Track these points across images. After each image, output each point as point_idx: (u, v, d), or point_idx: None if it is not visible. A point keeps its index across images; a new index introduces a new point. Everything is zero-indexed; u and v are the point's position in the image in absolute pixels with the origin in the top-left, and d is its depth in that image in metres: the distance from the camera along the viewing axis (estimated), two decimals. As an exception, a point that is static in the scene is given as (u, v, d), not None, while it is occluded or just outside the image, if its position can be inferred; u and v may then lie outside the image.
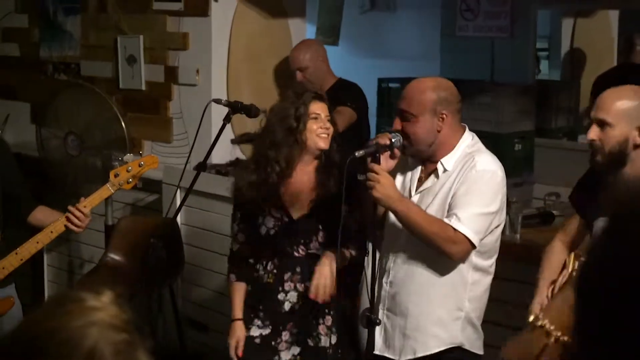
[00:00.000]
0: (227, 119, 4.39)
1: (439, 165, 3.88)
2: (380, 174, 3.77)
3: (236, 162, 5.70)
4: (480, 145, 3.96)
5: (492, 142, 6.11)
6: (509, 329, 4.70)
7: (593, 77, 7.88)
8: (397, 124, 3.89)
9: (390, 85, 7.94)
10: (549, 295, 3.76)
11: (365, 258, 4.09)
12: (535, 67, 7.83)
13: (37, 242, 4.51)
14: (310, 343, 4.22)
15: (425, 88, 3.89)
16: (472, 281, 3.93)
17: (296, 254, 4.19)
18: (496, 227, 3.91)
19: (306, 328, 4.22)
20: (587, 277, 1.34)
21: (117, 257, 5.74)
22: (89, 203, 4.48)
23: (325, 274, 4.05)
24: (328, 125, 4.15)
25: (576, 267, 3.70)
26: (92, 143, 6.50)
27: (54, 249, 6.92)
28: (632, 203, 1.31)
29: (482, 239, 3.82)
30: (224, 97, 5.10)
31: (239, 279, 4.29)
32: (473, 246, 3.79)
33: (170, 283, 5.60)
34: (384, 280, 4.03)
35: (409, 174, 4.02)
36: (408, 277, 3.95)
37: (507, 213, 4.73)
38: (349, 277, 4.24)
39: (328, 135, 4.15)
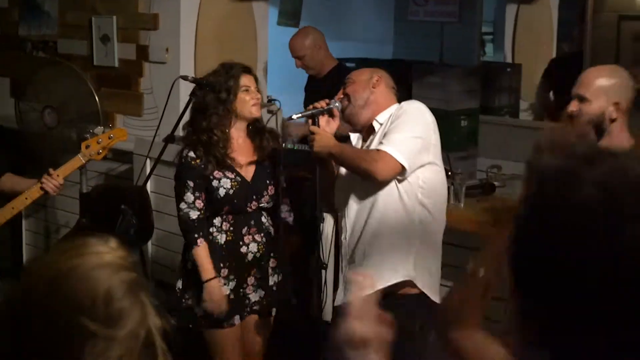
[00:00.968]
0: (193, 95, 4.40)
1: (374, 123, 4.02)
2: (316, 131, 3.97)
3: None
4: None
5: (440, 118, 6.13)
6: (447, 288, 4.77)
7: (534, 59, 7.93)
8: (340, 93, 4.10)
9: (348, 65, 7.97)
10: None
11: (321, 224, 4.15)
12: (481, 50, 7.87)
13: (13, 208, 4.50)
14: (265, 284, 4.33)
15: (364, 70, 4.20)
16: (419, 220, 3.97)
17: (249, 209, 4.28)
18: (430, 163, 3.96)
19: (264, 271, 4.32)
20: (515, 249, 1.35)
21: (90, 223, 5.73)
22: (61, 172, 4.49)
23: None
24: (258, 95, 4.31)
25: None
26: (68, 116, 6.47)
27: (31, 214, 6.90)
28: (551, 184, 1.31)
29: (410, 161, 3.85)
30: (191, 75, 5.09)
31: (205, 240, 4.28)
32: (401, 166, 3.83)
33: (140, 246, 5.60)
34: (342, 237, 4.13)
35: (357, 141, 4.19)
36: (361, 223, 4.02)
37: (452, 183, 4.78)
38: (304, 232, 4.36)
39: (259, 105, 4.32)
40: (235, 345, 4.36)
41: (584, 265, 1.23)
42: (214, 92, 4.22)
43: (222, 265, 4.25)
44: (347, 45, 8.55)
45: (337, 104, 4.07)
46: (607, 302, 1.23)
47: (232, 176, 4.25)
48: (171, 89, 4.61)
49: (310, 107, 4.12)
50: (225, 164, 4.24)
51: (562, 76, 7.25)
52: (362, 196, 4.02)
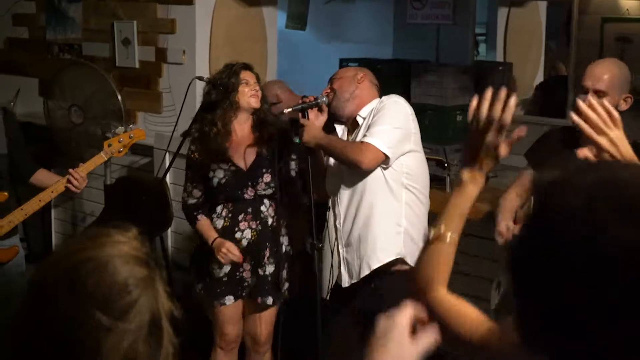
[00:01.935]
0: (206, 94, 4.41)
1: (358, 118, 4.09)
2: (305, 124, 4.04)
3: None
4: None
5: (437, 113, 6.21)
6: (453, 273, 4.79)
7: (524, 58, 7.95)
8: (327, 88, 4.18)
9: (350, 64, 7.98)
10: (509, 228, 3.87)
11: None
12: (475, 50, 7.86)
13: (40, 200, 4.53)
14: (260, 272, 4.31)
15: (350, 68, 4.35)
16: (406, 201, 4.04)
17: (246, 196, 4.28)
18: (411, 150, 4.03)
19: (258, 259, 4.31)
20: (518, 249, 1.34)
21: (114, 212, 5.76)
22: (85, 168, 4.52)
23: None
24: (257, 88, 4.33)
25: None
26: (92, 114, 6.48)
27: (60, 204, 6.92)
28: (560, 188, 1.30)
29: (393, 150, 3.93)
30: (206, 75, 5.11)
31: (205, 216, 4.35)
32: (384, 155, 3.91)
33: (160, 234, 5.62)
34: (337, 223, 4.17)
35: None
36: (353, 211, 4.08)
37: (447, 174, 4.81)
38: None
39: (258, 96, 4.31)
40: (232, 322, 4.40)
41: (574, 271, 1.21)
42: (219, 87, 4.27)
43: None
44: (350, 46, 8.57)
45: (324, 99, 4.14)
46: (593, 301, 1.21)
47: (227, 167, 4.28)
48: (188, 88, 4.63)
49: (300, 101, 4.18)
50: (222, 156, 4.27)
51: (549, 99, 7.28)
52: (352, 185, 4.08)
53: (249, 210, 4.29)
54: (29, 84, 7.19)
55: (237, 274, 4.30)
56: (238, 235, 4.28)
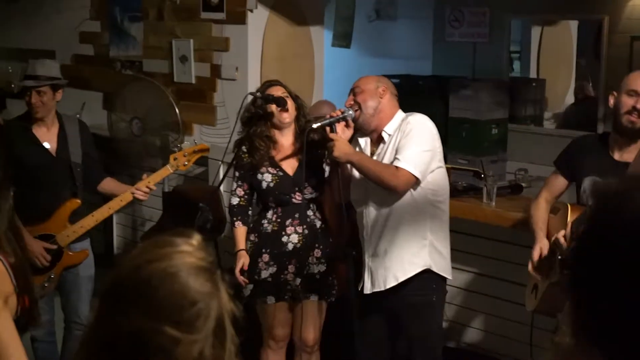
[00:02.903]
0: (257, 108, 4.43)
1: (383, 134, 4.03)
2: (335, 138, 3.95)
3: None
4: (411, 113, 4.10)
5: (473, 126, 6.16)
6: (482, 276, 4.76)
7: (556, 74, 7.88)
8: (350, 99, 4.10)
9: (392, 80, 7.94)
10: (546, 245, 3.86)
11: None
12: (509, 67, 7.82)
13: (109, 208, 4.59)
14: (305, 272, 4.32)
15: (369, 79, 4.15)
16: (431, 215, 4.02)
17: (294, 200, 4.28)
18: (438, 167, 4.01)
19: (303, 261, 4.30)
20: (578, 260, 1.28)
21: (171, 217, 5.79)
22: (152, 179, 4.58)
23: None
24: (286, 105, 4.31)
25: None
26: (152, 125, 6.54)
27: (121, 210, 6.94)
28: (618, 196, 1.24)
29: (423, 173, 3.91)
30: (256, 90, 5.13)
31: (243, 224, 4.37)
32: (416, 179, 3.89)
33: (214, 238, 5.64)
34: (364, 233, 4.14)
35: (364, 148, 4.15)
36: (380, 224, 4.05)
37: (484, 185, 4.78)
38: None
39: (288, 110, 4.30)
40: (279, 323, 4.39)
41: (631, 279, 1.16)
42: (256, 106, 4.30)
43: (264, 251, 4.30)
44: (391, 62, 8.56)
45: (350, 112, 4.07)
46: None
47: (275, 171, 4.29)
48: (242, 103, 4.63)
49: (327, 115, 4.11)
50: (270, 162, 4.29)
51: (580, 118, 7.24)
52: (379, 200, 4.05)
53: (297, 215, 4.29)
54: (93, 97, 7.25)
55: (282, 276, 4.30)
56: (284, 239, 4.29)
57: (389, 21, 9.14)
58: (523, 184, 5.22)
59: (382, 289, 4.05)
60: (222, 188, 5.29)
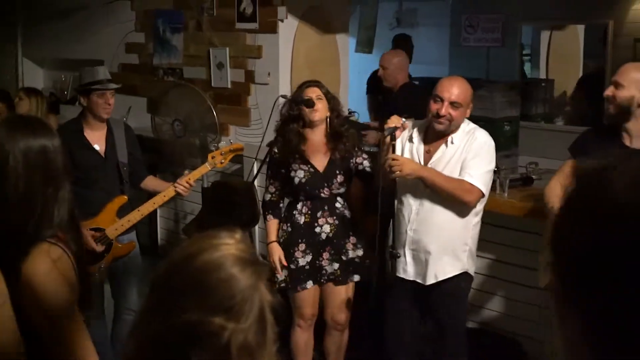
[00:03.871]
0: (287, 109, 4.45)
1: (449, 138, 3.93)
2: (398, 158, 3.86)
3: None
4: (473, 124, 4.02)
5: (488, 124, 6.11)
6: (497, 261, 4.76)
7: (564, 75, 7.83)
8: (444, 111, 3.87)
9: (413, 82, 7.94)
10: None
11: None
12: (521, 68, 7.79)
13: (154, 203, 4.63)
14: (344, 258, 4.32)
15: (467, 93, 3.95)
16: (474, 223, 4.00)
17: (323, 195, 4.29)
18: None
19: (338, 248, 4.31)
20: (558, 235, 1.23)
21: (210, 211, 5.81)
22: (192, 176, 4.61)
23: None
24: (319, 104, 4.28)
25: None
26: (192, 127, 6.57)
27: (164, 204, 6.98)
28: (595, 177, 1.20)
29: (488, 190, 3.93)
30: (288, 94, 5.15)
31: (274, 217, 4.40)
32: (482, 195, 3.88)
33: (249, 229, 5.67)
34: (407, 228, 4.06)
35: (412, 149, 4.05)
36: (429, 223, 4.00)
37: (497, 177, 4.76)
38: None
39: (318, 111, 4.27)
40: (309, 304, 4.42)
41: (614, 254, 1.12)
42: (292, 104, 4.32)
43: (300, 241, 4.31)
44: (411, 67, 8.53)
45: (404, 120, 3.99)
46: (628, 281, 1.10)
47: (306, 168, 4.29)
48: (274, 105, 4.67)
49: (392, 124, 3.93)
50: (302, 159, 4.29)
51: (589, 88, 7.18)
52: (436, 202, 3.96)
53: (326, 207, 4.30)
54: (139, 102, 7.30)
55: (317, 262, 4.32)
56: (317, 229, 4.30)
57: (409, 28, 9.12)
58: (534, 177, 5.19)
59: (423, 283, 4.03)
60: (256, 183, 5.32)
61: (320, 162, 4.32)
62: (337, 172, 4.30)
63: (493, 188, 4.75)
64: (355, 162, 4.36)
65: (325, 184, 4.29)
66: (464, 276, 4.02)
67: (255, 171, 4.76)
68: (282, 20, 6.01)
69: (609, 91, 3.68)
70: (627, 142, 3.74)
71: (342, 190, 4.34)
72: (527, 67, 8.26)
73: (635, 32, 6.55)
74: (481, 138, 3.92)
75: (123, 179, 4.62)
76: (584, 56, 7.91)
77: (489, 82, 6.78)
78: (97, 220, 4.51)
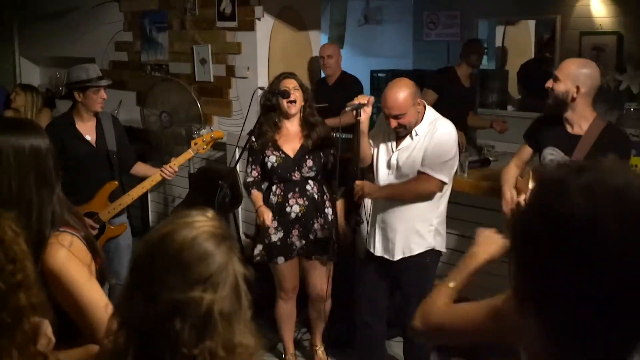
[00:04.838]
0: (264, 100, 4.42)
1: (413, 132, 3.86)
2: (359, 184, 3.89)
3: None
4: (437, 115, 3.93)
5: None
6: (460, 236, 4.78)
7: (517, 66, 7.87)
8: (394, 124, 3.80)
9: (379, 75, 7.97)
10: (513, 197, 3.84)
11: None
12: (478, 60, 7.78)
13: (143, 187, 4.60)
14: (311, 237, 4.32)
15: (407, 99, 3.76)
16: (439, 205, 3.97)
17: (294, 177, 4.27)
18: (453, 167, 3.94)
19: (307, 227, 4.30)
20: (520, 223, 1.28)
21: (196, 194, 5.80)
22: (177, 162, 4.59)
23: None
24: (296, 94, 4.25)
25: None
26: (178, 118, 6.54)
27: (154, 189, 6.97)
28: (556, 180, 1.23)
29: (450, 177, 3.87)
30: (265, 86, 5.13)
31: (258, 191, 4.34)
32: (443, 183, 3.83)
33: (233, 210, 5.66)
34: (377, 204, 4.06)
35: (388, 136, 3.99)
36: (394, 206, 3.97)
37: (459, 159, 4.78)
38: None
39: (295, 102, 4.25)
40: (289, 278, 4.43)
41: (567, 256, 1.17)
42: (269, 96, 4.29)
43: (273, 219, 4.27)
44: (378, 60, 8.56)
45: (370, 96, 3.88)
46: (590, 285, 1.15)
47: (278, 154, 4.27)
48: (252, 96, 4.66)
49: (355, 101, 3.82)
50: (274, 146, 4.27)
51: (533, 74, 7.22)
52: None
53: (297, 189, 4.28)
54: (128, 96, 7.27)
55: (288, 239, 4.31)
56: (288, 209, 4.28)
57: (376, 25, 9.12)
58: (490, 158, 5.22)
59: (390, 258, 4.02)
60: (237, 168, 5.30)
61: (292, 148, 4.30)
62: (307, 157, 4.27)
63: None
64: (324, 154, 4.33)
65: (296, 168, 4.27)
66: (430, 252, 4.00)
67: (237, 157, 4.73)
68: (259, 19, 5.98)
69: (549, 83, 3.67)
70: (569, 130, 3.75)
71: (311, 174, 4.29)
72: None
73: (581, 26, 6.59)
74: (441, 129, 3.82)
75: (113, 166, 4.60)
76: (535, 48, 7.95)
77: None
78: (91, 205, 4.49)
